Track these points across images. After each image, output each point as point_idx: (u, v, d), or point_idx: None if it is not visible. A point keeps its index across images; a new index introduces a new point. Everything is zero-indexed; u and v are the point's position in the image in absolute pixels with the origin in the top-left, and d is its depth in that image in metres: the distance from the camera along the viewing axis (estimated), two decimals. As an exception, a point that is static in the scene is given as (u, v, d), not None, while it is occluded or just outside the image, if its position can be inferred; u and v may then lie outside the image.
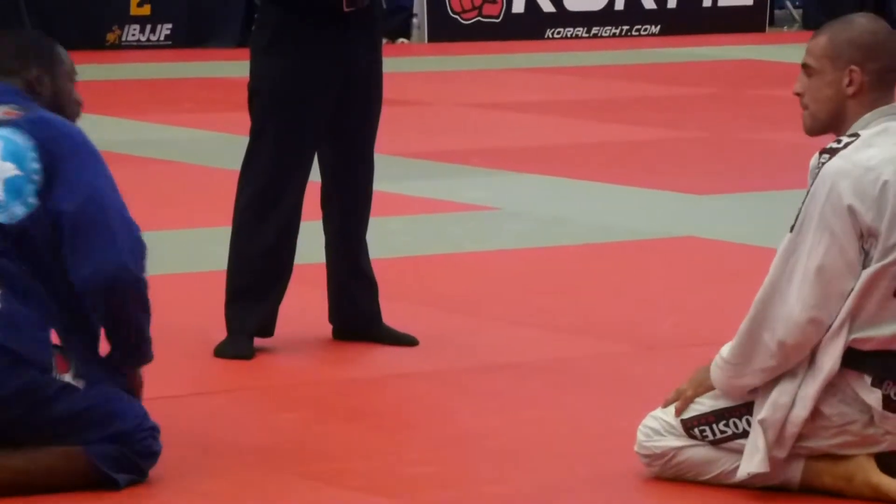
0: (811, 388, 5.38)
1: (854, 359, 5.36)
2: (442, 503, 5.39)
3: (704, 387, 5.55)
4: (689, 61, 16.73)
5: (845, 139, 5.36)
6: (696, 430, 5.57)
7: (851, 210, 5.26)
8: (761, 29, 19.20)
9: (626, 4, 18.57)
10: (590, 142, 12.18)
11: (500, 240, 9.06)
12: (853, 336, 5.33)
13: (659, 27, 18.66)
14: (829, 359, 5.34)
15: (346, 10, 6.93)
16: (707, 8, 19.01)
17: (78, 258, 5.40)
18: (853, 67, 5.40)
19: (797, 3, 20.11)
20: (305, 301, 7.05)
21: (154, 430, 5.51)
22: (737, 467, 5.57)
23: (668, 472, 5.64)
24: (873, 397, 5.41)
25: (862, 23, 5.55)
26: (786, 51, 17.65)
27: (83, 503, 5.46)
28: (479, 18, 17.68)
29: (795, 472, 5.57)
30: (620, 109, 13.73)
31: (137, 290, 5.52)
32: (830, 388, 5.40)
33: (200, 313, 7.07)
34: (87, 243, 5.40)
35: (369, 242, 7.04)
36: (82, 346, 5.52)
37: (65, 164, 5.47)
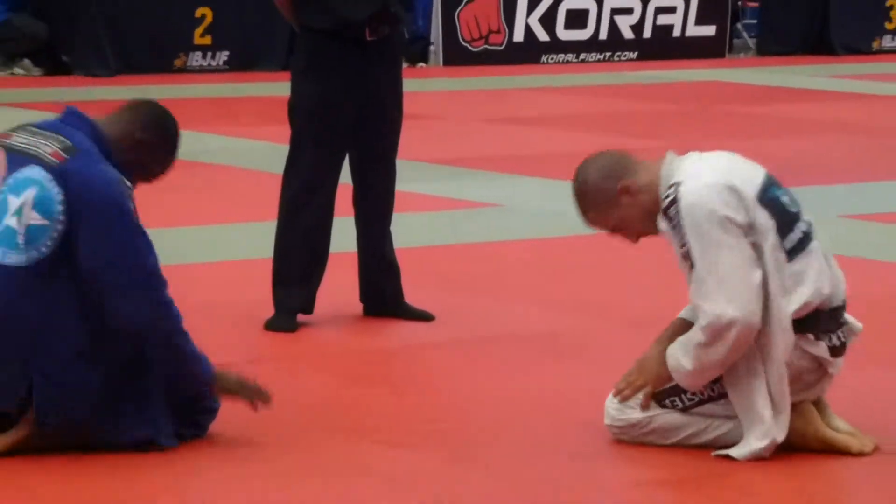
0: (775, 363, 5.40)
1: (796, 326, 5.34)
2: (452, 455, 5.39)
3: (662, 380, 5.46)
4: (661, 83, 16.70)
5: (672, 190, 5.37)
6: (667, 400, 5.49)
7: (728, 218, 5.27)
8: (721, 55, 19.14)
9: (608, 34, 18.53)
10: (579, 150, 11.99)
11: (505, 232, 9.09)
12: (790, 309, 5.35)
13: (636, 53, 18.62)
14: (779, 338, 5.35)
15: (368, 38, 7.00)
16: (676, 38, 18.95)
17: (107, 312, 5.25)
18: (618, 186, 5.44)
19: (752, 34, 20.00)
20: (340, 284, 7.10)
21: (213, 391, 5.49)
22: (704, 428, 5.51)
23: (636, 439, 5.52)
24: (820, 349, 5.41)
25: (591, 170, 5.58)
26: (742, 74, 17.64)
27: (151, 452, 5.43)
28: (486, 46, 17.66)
29: None
30: (604, 122, 13.72)
31: (162, 342, 5.35)
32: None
33: (253, 294, 7.07)
34: (110, 302, 5.23)
35: (393, 235, 7.14)
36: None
37: (89, 222, 5.23)
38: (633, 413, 5.50)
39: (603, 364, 6.22)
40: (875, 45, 19.83)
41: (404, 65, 7.91)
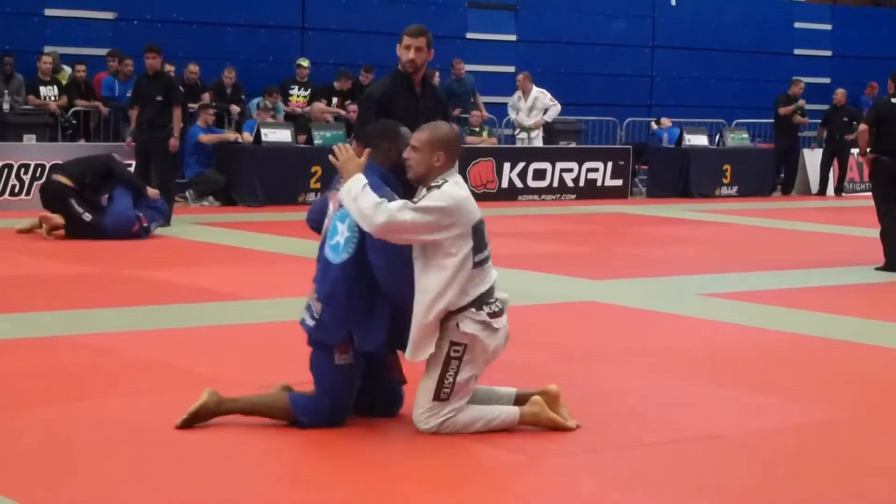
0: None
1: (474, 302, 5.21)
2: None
3: (348, 173, 5.28)
4: (589, 213, 16.69)
5: (441, 180, 5.25)
6: (441, 392, 5.20)
7: (457, 208, 5.19)
8: (625, 197, 19.19)
9: (558, 183, 18.64)
10: (539, 252, 12.13)
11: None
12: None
13: (575, 195, 18.65)
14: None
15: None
16: (599, 186, 19.04)
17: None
18: (443, 152, 5.28)
19: (643, 184, 20.01)
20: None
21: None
22: (495, 416, 5.21)
23: (449, 431, 5.18)
24: (483, 315, 5.21)
25: (446, 128, 5.41)
26: (638, 208, 17.66)
27: (282, 428, 5.32)
28: (486, 189, 17.70)
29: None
30: (555, 237, 13.71)
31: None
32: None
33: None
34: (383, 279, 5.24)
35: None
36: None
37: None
38: (434, 419, 5.18)
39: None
40: (717, 191, 19.83)
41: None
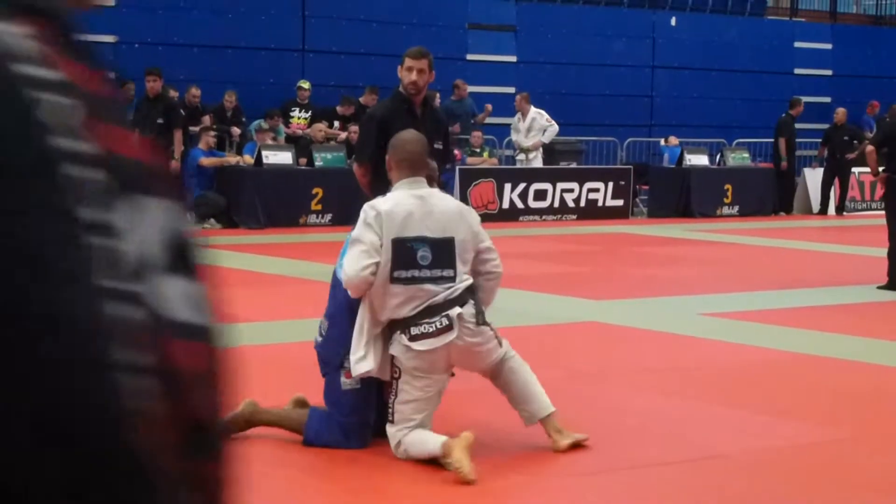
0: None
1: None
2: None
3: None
4: (590, 233, 16.68)
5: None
6: (389, 415, 5.13)
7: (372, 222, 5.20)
8: (626, 217, 19.19)
9: (559, 204, 18.65)
10: (540, 273, 12.14)
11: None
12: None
13: (576, 216, 18.66)
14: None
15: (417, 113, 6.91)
16: (600, 206, 19.04)
17: None
18: (393, 160, 5.39)
19: (644, 205, 20.03)
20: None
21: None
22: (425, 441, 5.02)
23: (412, 458, 5.05)
24: (404, 338, 5.11)
25: (405, 137, 5.46)
26: (638, 228, 17.67)
27: (281, 453, 5.33)
28: (486, 210, 17.74)
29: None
30: (556, 256, 13.71)
31: None
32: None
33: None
34: None
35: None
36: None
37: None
38: (392, 443, 5.10)
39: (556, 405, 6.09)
40: (718, 211, 19.84)
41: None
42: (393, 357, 5.11)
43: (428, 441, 5.02)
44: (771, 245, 15.44)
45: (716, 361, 7.80)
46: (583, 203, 18.80)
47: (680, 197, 19.44)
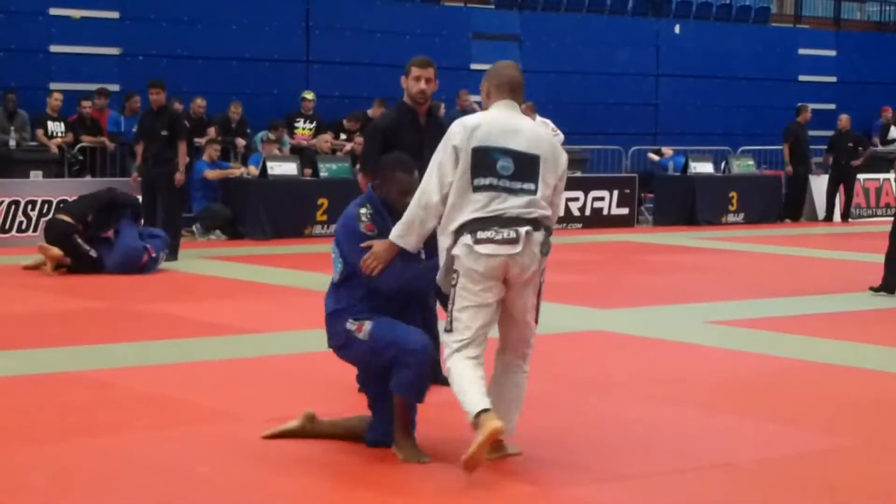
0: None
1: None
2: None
3: (390, 253, 5.19)
4: (595, 242, 16.69)
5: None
6: (447, 323, 5.16)
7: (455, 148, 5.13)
8: (632, 225, 19.19)
9: (564, 212, 18.60)
10: (546, 282, 12.08)
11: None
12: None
13: (581, 224, 18.64)
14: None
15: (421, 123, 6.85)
16: (605, 215, 19.03)
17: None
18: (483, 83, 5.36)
19: (650, 214, 20.02)
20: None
21: None
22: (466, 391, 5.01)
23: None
24: (468, 238, 5.10)
25: (503, 63, 5.40)
26: (644, 236, 17.65)
27: (292, 468, 5.29)
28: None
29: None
30: (561, 266, 13.71)
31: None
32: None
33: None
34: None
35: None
36: None
37: (340, 245, 5.42)
38: (446, 352, 5.14)
39: (560, 418, 6.04)
40: (723, 219, 19.84)
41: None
42: (454, 260, 5.09)
43: (468, 394, 4.99)
44: (777, 252, 15.42)
45: (723, 370, 7.78)
46: (588, 212, 18.78)
47: (685, 205, 19.41)
